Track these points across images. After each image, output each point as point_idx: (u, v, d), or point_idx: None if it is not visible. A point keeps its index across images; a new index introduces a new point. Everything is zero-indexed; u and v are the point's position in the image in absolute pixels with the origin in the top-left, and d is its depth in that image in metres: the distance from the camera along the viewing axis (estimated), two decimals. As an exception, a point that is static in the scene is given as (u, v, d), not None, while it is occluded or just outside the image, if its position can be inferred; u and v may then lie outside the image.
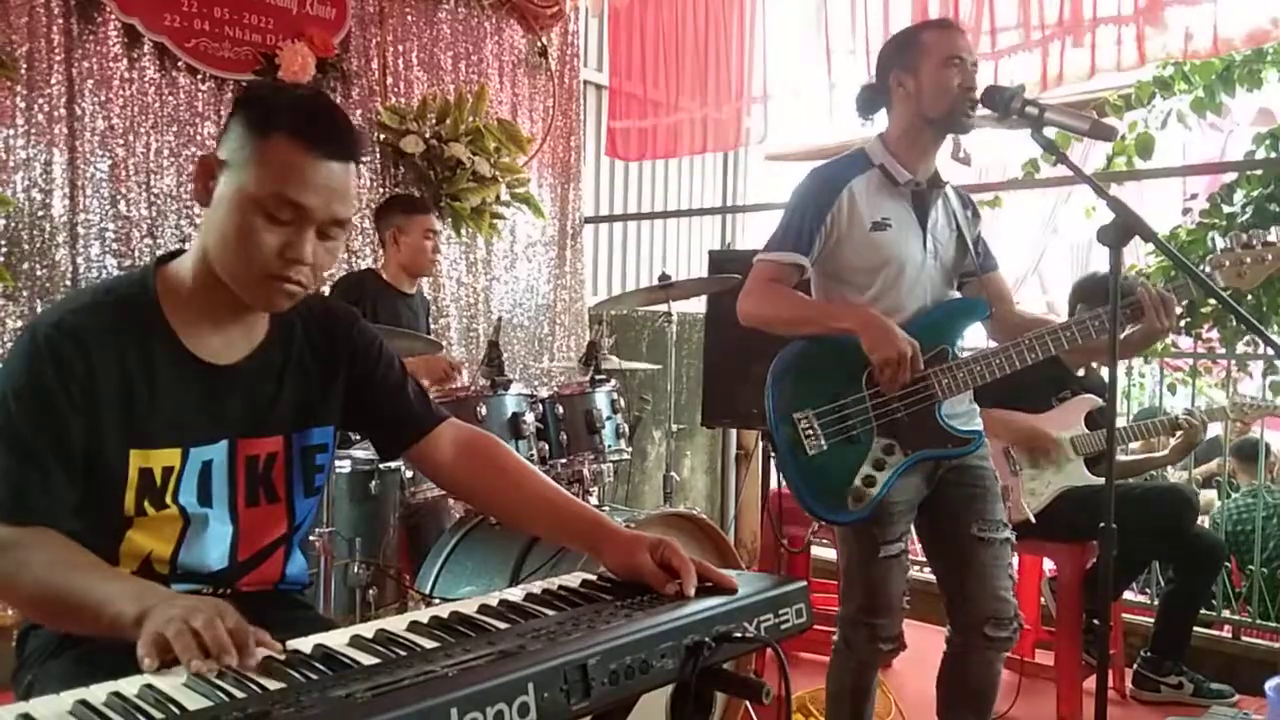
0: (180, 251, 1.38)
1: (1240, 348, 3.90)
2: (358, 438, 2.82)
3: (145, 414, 1.29)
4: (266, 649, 1.04)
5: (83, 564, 1.18)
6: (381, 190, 4.20)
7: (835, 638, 2.26)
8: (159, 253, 3.50)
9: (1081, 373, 3.24)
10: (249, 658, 1.00)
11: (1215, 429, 5.40)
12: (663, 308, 3.25)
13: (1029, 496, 3.03)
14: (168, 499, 1.33)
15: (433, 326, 4.30)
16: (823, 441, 2.09)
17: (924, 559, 2.41)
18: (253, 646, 1.01)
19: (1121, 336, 2.00)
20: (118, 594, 1.10)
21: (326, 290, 3.75)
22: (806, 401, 2.11)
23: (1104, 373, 3.34)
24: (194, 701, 0.92)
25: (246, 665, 0.99)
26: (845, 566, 2.23)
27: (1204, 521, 3.87)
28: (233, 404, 1.37)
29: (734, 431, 5.29)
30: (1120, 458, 3.10)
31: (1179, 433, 3.23)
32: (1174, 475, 4.42)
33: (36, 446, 1.22)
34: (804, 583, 1.27)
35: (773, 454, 2.20)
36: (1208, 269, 2.09)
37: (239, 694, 0.94)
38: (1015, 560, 2.25)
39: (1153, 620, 3.38)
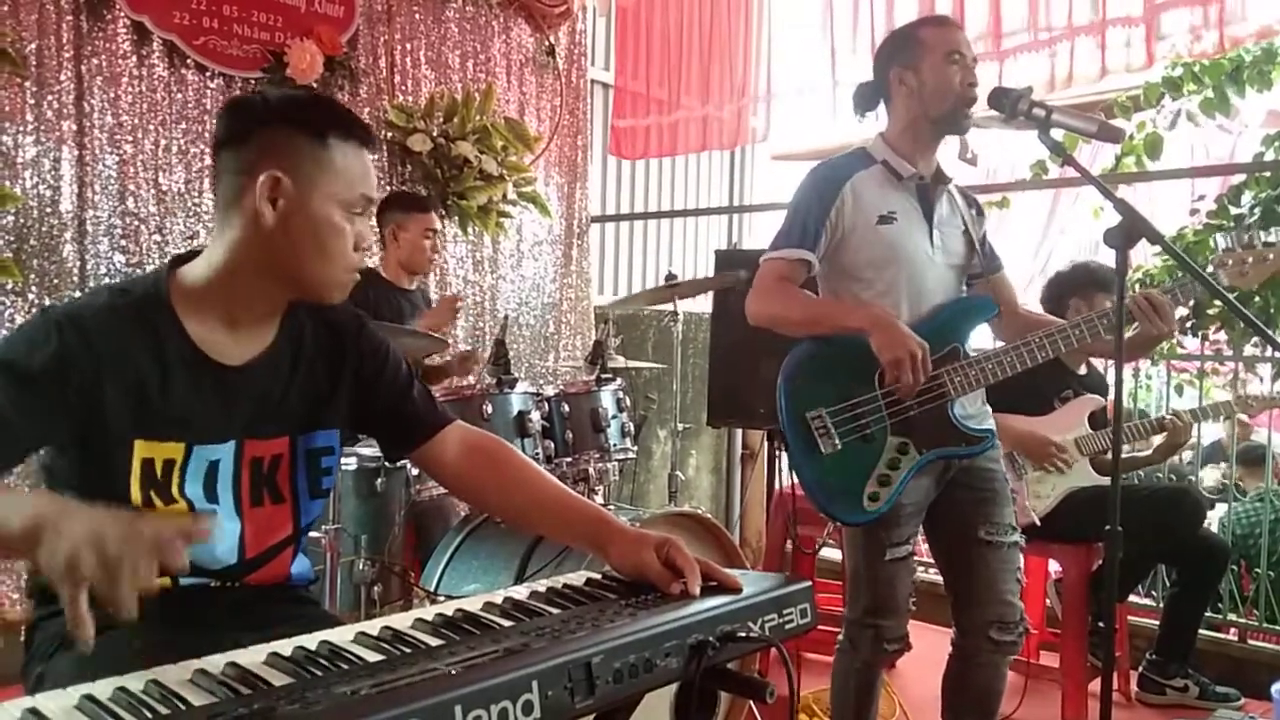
0: (192, 254, 1.40)
1: (1248, 349, 3.88)
2: (363, 436, 2.83)
3: (153, 406, 1.30)
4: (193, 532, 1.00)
5: None
6: (389, 188, 4.20)
7: (840, 638, 2.26)
8: (167, 249, 3.55)
9: (1083, 370, 3.23)
10: (176, 559, 0.94)
11: (1218, 431, 5.39)
12: (669, 307, 3.25)
13: (1035, 500, 3.02)
14: (174, 491, 1.33)
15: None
16: (837, 441, 2.07)
17: (930, 560, 2.41)
18: (178, 550, 0.95)
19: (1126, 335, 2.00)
20: (5, 504, 1.02)
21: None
22: (819, 400, 2.09)
23: (1104, 370, 3.34)
24: (199, 697, 0.93)
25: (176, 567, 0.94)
26: (852, 568, 2.22)
27: (1211, 524, 3.86)
28: (241, 404, 1.38)
29: (739, 431, 5.30)
30: (1105, 457, 3.07)
31: (1164, 433, 3.20)
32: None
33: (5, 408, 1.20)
34: (809, 583, 1.27)
35: (783, 454, 2.20)
36: (1211, 269, 2.09)
37: (244, 690, 0.94)
38: (1022, 563, 2.24)
39: (1158, 623, 3.37)
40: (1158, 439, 3.25)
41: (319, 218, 1.33)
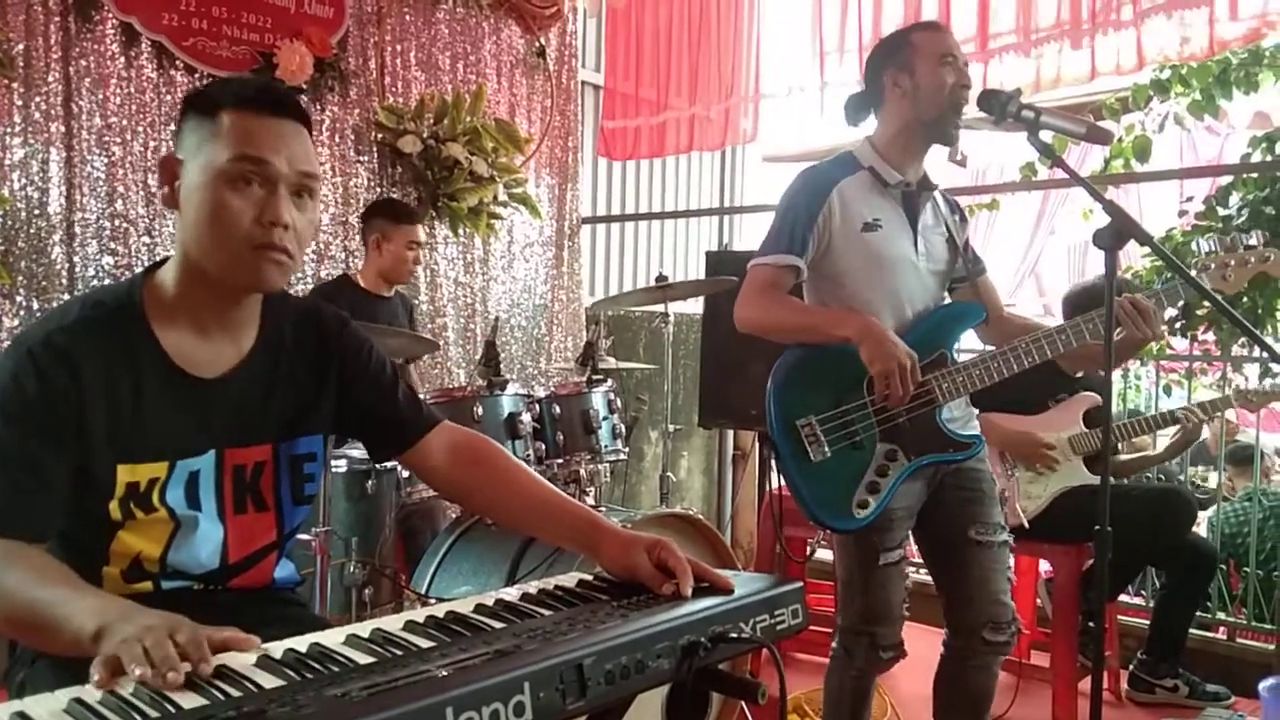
0: (167, 260, 1.38)
1: (1235, 350, 3.91)
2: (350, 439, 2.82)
3: (131, 429, 1.29)
4: (237, 646, 1.03)
5: (52, 580, 1.15)
6: (379, 190, 4.19)
7: (834, 645, 2.24)
8: (156, 251, 3.53)
9: (1079, 374, 3.24)
10: (203, 667, 0.97)
11: (1205, 432, 5.41)
12: (660, 308, 3.25)
13: (1025, 500, 3.02)
14: (155, 501, 1.33)
15: (429, 326, 4.30)
16: (826, 448, 2.07)
17: (920, 562, 2.41)
18: (206, 656, 0.98)
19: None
20: (80, 610, 1.07)
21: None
22: (809, 407, 2.09)
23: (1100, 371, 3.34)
24: (189, 700, 0.92)
25: (201, 673, 0.97)
26: (845, 575, 2.21)
27: (1201, 524, 3.87)
28: (219, 416, 1.37)
29: (730, 432, 5.30)
30: (1115, 457, 3.08)
31: (1175, 428, 3.21)
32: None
33: (22, 462, 1.22)
34: (800, 584, 1.26)
35: (775, 460, 2.19)
36: (1194, 272, 2.10)
37: (234, 692, 0.94)
38: (1013, 563, 2.25)
39: (1148, 622, 3.38)
40: (1164, 437, 3.25)
41: (198, 191, 1.27)
